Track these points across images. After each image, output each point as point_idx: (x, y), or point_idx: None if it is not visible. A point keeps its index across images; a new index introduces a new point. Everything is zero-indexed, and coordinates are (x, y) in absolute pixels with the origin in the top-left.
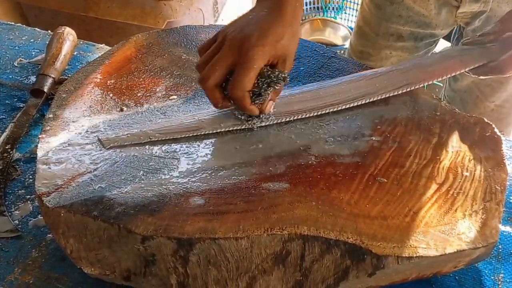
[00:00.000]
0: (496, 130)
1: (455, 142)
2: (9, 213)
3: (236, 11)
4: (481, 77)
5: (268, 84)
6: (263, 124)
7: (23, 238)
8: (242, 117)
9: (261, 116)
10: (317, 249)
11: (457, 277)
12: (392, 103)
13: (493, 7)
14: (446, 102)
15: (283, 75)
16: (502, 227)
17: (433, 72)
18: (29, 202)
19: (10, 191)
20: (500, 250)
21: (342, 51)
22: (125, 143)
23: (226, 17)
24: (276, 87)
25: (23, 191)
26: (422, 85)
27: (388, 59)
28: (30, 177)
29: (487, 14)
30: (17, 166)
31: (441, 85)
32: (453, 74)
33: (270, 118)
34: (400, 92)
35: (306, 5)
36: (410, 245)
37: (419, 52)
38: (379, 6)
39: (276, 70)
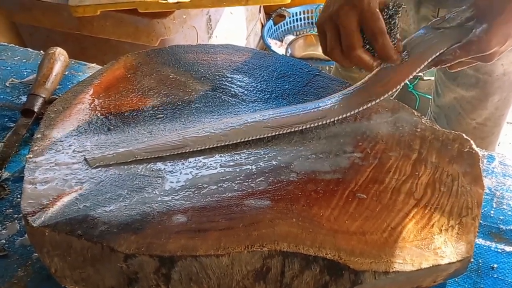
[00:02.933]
0: (474, 146)
1: (434, 158)
2: None
3: (230, 28)
4: (461, 62)
5: (391, 16)
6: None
7: (10, 257)
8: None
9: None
10: (296, 265)
11: None
12: (374, 119)
13: None
14: (433, 118)
15: (396, 2)
16: (482, 241)
17: (389, 82)
18: (16, 221)
19: None
20: (480, 264)
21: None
22: (111, 162)
23: (220, 34)
24: (399, 15)
25: (11, 210)
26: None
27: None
28: (18, 196)
29: None
30: (6, 186)
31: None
32: (421, 67)
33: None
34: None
35: (300, 21)
36: (386, 260)
37: None
38: None
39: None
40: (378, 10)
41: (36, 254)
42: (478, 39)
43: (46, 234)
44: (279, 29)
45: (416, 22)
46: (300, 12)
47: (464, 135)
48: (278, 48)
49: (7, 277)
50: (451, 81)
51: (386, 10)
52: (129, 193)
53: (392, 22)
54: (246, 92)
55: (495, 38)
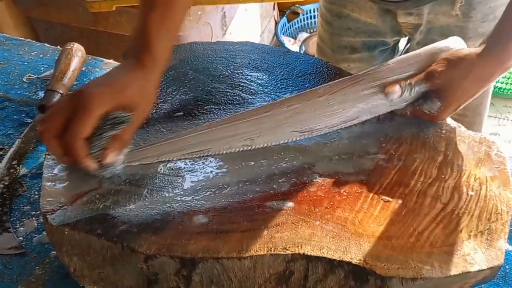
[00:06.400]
0: (501, 148)
1: (460, 160)
2: (14, 230)
3: (244, 25)
4: None
5: (104, 129)
6: (109, 175)
7: (27, 255)
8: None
9: (107, 167)
10: (320, 270)
11: None
12: (397, 120)
13: (430, 19)
14: None
15: (120, 119)
16: (509, 247)
17: None
18: (34, 218)
19: (15, 207)
20: (507, 271)
21: None
22: (136, 162)
23: (234, 31)
24: (114, 130)
25: (28, 207)
26: None
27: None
28: (36, 193)
29: (427, 26)
30: (23, 182)
31: None
32: None
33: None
34: None
35: (314, 18)
36: (414, 266)
37: (377, 61)
38: (328, 22)
39: (114, 113)
40: (90, 120)
41: (54, 252)
42: (430, 113)
43: (66, 232)
44: (292, 27)
45: (382, 15)
46: (314, 10)
47: (490, 137)
48: (292, 45)
49: (24, 275)
50: None
51: (107, 120)
52: (149, 192)
53: (102, 134)
54: (266, 90)
55: (447, 113)
